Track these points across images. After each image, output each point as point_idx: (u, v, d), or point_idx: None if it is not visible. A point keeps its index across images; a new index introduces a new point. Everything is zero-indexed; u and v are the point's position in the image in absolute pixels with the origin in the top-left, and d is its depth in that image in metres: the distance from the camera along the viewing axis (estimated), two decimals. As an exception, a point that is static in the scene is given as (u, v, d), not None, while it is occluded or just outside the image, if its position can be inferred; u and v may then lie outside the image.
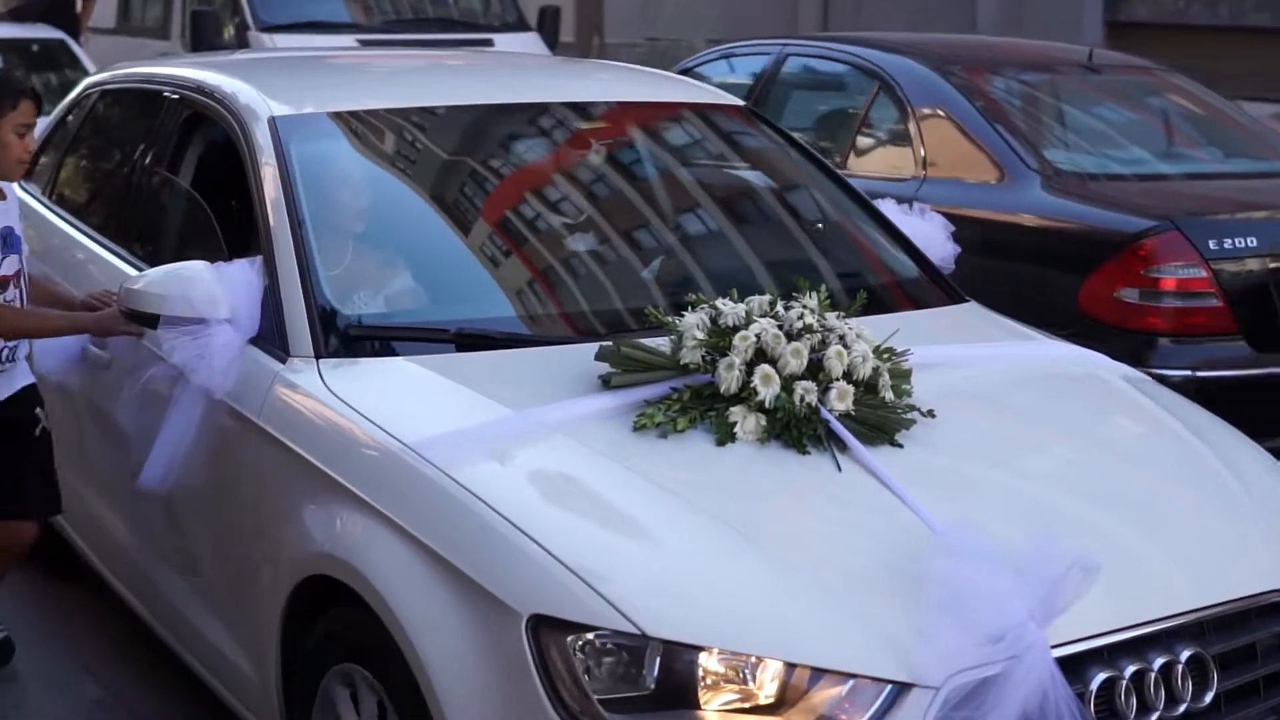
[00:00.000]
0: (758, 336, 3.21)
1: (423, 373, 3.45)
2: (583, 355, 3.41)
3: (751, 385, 3.15)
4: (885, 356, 3.34)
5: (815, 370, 3.21)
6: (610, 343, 3.32)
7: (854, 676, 2.65)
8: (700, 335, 3.23)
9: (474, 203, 4.14)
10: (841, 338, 3.26)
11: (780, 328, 3.24)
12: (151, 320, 3.65)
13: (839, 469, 3.08)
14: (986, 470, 3.21)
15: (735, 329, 3.24)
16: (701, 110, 4.62)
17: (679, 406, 3.16)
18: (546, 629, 2.73)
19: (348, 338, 3.54)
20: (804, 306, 3.32)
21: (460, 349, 3.52)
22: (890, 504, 2.99)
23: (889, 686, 2.65)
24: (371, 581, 3.01)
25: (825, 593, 2.77)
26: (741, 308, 3.29)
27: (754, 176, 4.53)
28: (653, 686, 2.66)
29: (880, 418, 3.21)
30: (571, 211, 4.08)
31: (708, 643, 2.67)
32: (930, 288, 4.21)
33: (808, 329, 3.24)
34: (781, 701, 2.65)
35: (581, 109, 4.44)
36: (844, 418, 3.18)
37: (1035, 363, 3.85)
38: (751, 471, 3.08)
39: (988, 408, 3.51)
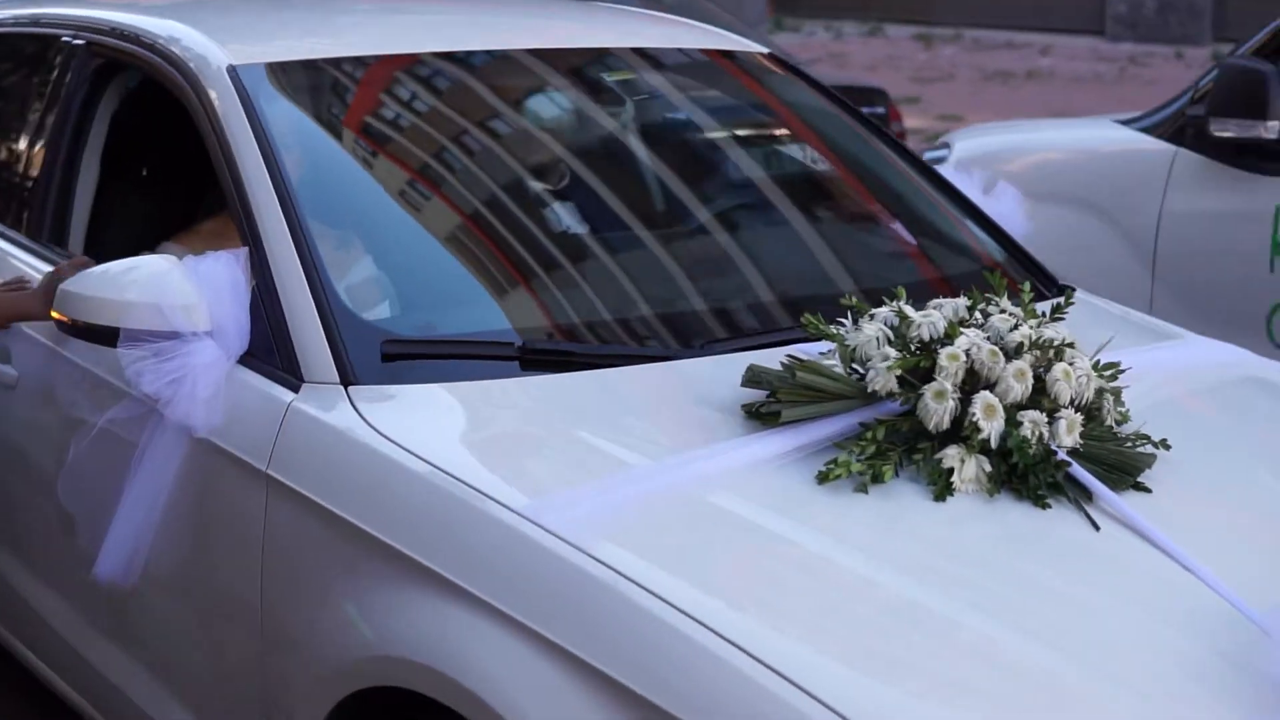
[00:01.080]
0: (967, 354, 2.44)
1: (493, 404, 2.62)
2: (696, 373, 2.66)
3: (972, 419, 2.39)
4: (1105, 373, 2.60)
5: (1036, 396, 2.47)
6: (784, 362, 2.50)
7: None
8: (893, 353, 2.45)
9: (507, 177, 3.25)
10: (1059, 352, 2.52)
11: (989, 340, 2.48)
12: (106, 335, 2.75)
13: (1096, 528, 2.35)
14: (1255, 521, 2.51)
15: (934, 344, 2.47)
16: (738, 60, 3.81)
17: (874, 449, 2.38)
18: None
19: (382, 355, 2.69)
20: (1007, 312, 2.57)
21: (525, 367, 2.70)
22: (1171, 571, 2.27)
23: None
24: (489, 703, 2.19)
25: (1148, 711, 2.05)
26: (938, 316, 2.51)
27: (810, 143, 3.75)
28: None
29: (1117, 454, 2.48)
30: (635, 187, 3.25)
31: None
32: (1027, 277, 3.47)
33: (1033, 344, 2.48)
34: None
35: (628, 62, 3.59)
36: (1073, 455, 2.44)
37: (1207, 370, 3.14)
38: (992, 536, 2.32)
39: (1196, 432, 2.79)
